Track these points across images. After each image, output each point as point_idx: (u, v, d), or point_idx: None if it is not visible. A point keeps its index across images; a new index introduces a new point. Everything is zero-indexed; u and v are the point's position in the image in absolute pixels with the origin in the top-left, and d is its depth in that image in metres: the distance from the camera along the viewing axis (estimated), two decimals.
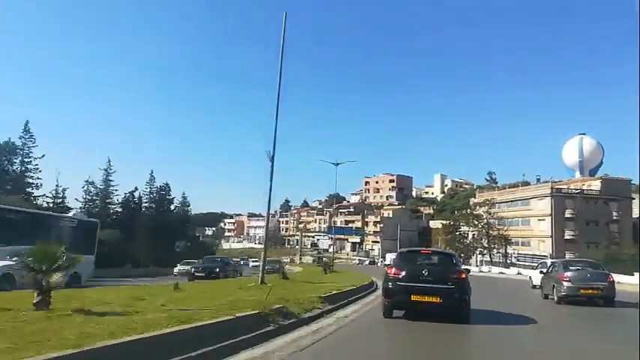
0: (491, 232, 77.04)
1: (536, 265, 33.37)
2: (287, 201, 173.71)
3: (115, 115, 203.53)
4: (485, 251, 78.19)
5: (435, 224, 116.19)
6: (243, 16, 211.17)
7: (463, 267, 11.37)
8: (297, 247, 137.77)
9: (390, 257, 41.62)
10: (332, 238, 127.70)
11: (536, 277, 25.16)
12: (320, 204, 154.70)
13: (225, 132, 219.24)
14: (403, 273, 10.55)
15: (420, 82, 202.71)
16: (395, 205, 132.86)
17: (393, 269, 10.83)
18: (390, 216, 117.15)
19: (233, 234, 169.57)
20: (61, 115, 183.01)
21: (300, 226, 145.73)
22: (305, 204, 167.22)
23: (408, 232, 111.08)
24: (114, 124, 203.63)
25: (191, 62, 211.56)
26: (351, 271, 41.14)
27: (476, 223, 79.11)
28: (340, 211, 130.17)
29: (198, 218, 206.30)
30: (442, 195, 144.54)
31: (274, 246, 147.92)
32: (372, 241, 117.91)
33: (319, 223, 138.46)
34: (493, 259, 75.95)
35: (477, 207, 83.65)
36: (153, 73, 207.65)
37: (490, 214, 78.54)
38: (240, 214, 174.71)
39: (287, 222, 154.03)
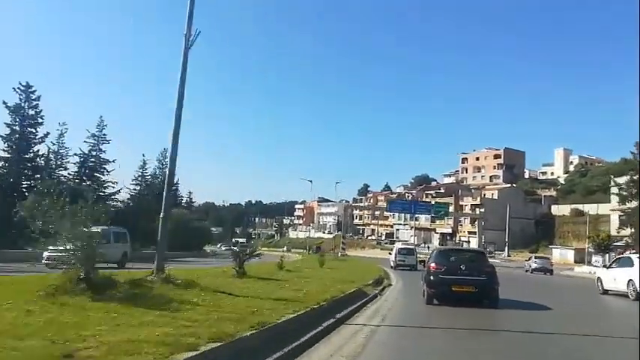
0: None
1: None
2: (365, 186, 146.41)
3: None
4: None
5: (560, 210, 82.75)
6: None
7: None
8: (371, 237, 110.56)
9: (395, 252, 36.09)
10: (414, 228, 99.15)
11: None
12: (404, 190, 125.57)
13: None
14: (444, 268, 12.38)
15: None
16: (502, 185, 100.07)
17: (434, 264, 12.65)
18: (495, 197, 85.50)
19: (302, 221, 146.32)
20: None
21: (377, 213, 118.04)
22: (387, 189, 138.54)
23: (520, 221, 79.28)
24: None
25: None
26: (368, 264, 31.99)
27: None
28: (427, 192, 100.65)
29: (272, 207, 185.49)
30: (566, 175, 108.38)
31: (344, 236, 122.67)
32: (469, 232, 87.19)
33: None
34: None
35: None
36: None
37: None
38: (303, 201, 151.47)
39: (362, 208, 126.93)
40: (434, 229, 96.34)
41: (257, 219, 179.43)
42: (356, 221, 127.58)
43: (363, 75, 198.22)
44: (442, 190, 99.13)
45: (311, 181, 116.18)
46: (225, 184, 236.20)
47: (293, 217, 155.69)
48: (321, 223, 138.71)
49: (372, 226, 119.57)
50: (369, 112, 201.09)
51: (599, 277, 20.30)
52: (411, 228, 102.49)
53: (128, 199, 58.35)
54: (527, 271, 42.30)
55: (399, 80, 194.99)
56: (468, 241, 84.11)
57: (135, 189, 61.82)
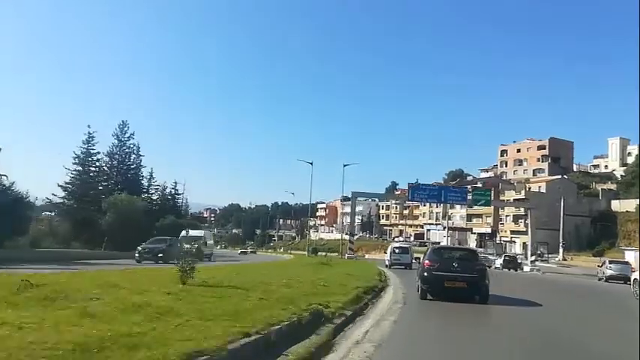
0: None
1: None
2: (394, 183, 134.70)
3: None
4: None
5: (623, 206, 70.09)
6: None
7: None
8: (399, 238, 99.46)
9: (390, 250, 37.04)
10: (447, 229, 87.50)
11: None
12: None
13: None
14: (437, 265, 12.76)
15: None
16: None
17: (428, 261, 13.02)
18: (543, 191, 73.29)
19: (325, 222, 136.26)
20: None
21: (405, 212, 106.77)
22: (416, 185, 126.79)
23: (573, 219, 67.13)
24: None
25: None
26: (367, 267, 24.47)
27: None
28: (462, 187, 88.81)
29: (298, 209, 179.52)
30: (624, 167, 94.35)
31: (368, 236, 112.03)
32: (512, 232, 75.22)
33: (430, 207, 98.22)
34: None
35: None
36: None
37: None
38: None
39: (388, 207, 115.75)
40: (470, 229, 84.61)
41: (281, 220, 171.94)
42: (383, 221, 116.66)
43: (392, 74, 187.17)
44: (479, 185, 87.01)
45: (311, 163, 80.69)
46: (252, 185, 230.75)
47: (316, 218, 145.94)
48: (344, 223, 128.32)
49: (399, 227, 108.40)
50: (392, 111, 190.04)
51: None
52: (444, 228, 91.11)
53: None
54: (600, 279, 32.98)
55: (426, 75, 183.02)
56: (512, 242, 72.15)
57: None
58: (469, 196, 54.22)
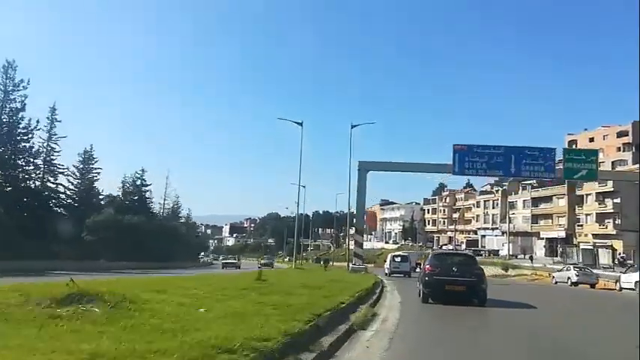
0: None
1: None
2: (441, 185, 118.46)
3: None
4: None
5: None
6: None
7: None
8: (448, 246, 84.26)
9: (390, 259, 38.97)
10: (506, 234, 71.68)
11: None
12: (491, 188, 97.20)
13: None
14: (438, 269, 13.48)
15: None
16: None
17: (429, 266, 13.80)
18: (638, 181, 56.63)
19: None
20: None
21: (455, 215, 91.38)
22: (469, 186, 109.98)
23: None
24: None
25: None
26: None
27: None
28: (524, 183, 73.28)
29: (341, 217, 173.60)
30: None
31: (411, 244, 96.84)
32: (594, 235, 58.90)
33: (485, 208, 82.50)
34: None
35: None
36: None
37: None
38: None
39: (435, 210, 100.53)
40: (536, 234, 68.60)
41: (320, 229, 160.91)
42: (429, 227, 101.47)
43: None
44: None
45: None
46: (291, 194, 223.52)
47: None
48: (385, 230, 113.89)
49: (449, 233, 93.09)
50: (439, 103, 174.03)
51: None
52: (502, 233, 75.38)
53: None
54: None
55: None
56: (595, 250, 55.62)
57: None
58: (559, 165, 35.05)
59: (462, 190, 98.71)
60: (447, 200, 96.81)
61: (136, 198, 60.12)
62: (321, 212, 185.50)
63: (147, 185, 62.52)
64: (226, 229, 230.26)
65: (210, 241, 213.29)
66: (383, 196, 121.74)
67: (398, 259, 36.94)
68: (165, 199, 72.27)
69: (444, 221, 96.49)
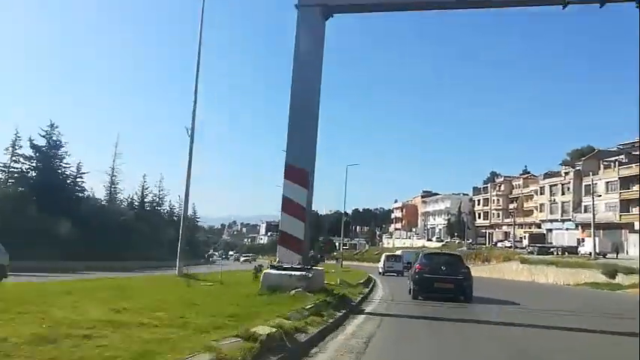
0: None
1: None
2: (493, 174, 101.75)
3: None
4: None
5: None
6: None
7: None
8: (504, 243, 69.34)
9: (383, 259, 43.10)
10: (591, 225, 56.05)
11: None
12: (561, 168, 79.69)
13: None
14: (427, 268, 14.96)
15: None
16: None
17: (419, 265, 15.40)
18: None
19: (401, 226, 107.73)
20: None
21: (512, 206, 75.78)
22: (525, 173, 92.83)
23: None
24: None
25: None
26: None
27: None
28: (605, 161, 57.42)
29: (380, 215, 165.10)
30: None
31: (458, 242, 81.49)
32: None
33: (552, 195, 66.59)
34: None
35: None
36: None
37: None
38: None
39: (487, 201, 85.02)
40: (629, 225, 52.75)
41: (357, 227, 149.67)
42: (480, 221, 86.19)
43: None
44: (638, 152, 54.57)
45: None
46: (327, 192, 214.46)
47: (392, 222, 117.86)
48: (428, 226, 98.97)
49: (504, 228, 77.70)
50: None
51: None
52: (577, 226, 59.62)
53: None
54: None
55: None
56: None
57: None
58: None
59: (519, 175, 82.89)
60: (502, 188, 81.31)
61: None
62: (360, 210, 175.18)
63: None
64: (262, 228, 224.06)
65: (245, 240, 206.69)
66: (424, 187, 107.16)
67: (392, 259, 41.28)
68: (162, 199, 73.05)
69: (497, 214, 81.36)
